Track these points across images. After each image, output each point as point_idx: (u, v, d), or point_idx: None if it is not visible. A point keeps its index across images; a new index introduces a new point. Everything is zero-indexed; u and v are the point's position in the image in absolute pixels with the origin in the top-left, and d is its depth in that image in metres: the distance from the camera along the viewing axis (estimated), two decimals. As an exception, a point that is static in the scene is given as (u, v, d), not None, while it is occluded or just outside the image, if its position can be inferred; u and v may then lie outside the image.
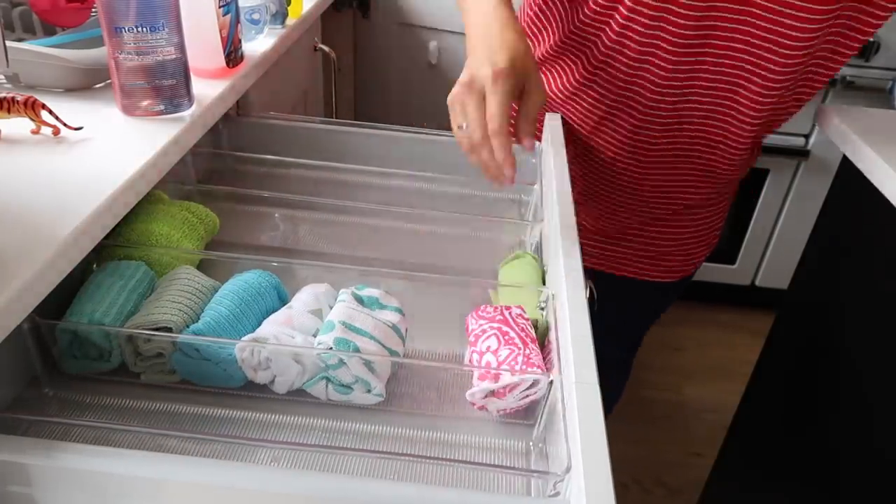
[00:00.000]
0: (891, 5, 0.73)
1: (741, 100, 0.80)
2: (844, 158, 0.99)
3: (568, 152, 0.81)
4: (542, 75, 0.92)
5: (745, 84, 0.79)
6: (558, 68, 0.90)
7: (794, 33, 0.73)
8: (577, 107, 0.89)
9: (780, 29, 0.73)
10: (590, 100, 0.87)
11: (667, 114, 0.83)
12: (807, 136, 1.91)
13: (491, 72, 0.64)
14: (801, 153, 1.91)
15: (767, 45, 0.74)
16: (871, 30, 0.75)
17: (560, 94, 0.91)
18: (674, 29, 0.75)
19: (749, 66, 0.77)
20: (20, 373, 0.59)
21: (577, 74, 0.87)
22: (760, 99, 0.79)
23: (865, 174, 0.89)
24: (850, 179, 0.96)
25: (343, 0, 1.89)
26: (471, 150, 0.67)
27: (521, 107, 0.70)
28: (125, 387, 0.61)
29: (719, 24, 0.75)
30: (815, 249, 1.11)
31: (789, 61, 0.75)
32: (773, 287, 2.14)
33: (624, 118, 0.86)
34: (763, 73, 0.77)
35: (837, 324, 1.01)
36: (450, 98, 0.67)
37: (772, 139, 1.89)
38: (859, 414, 0.93)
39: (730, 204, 1.05)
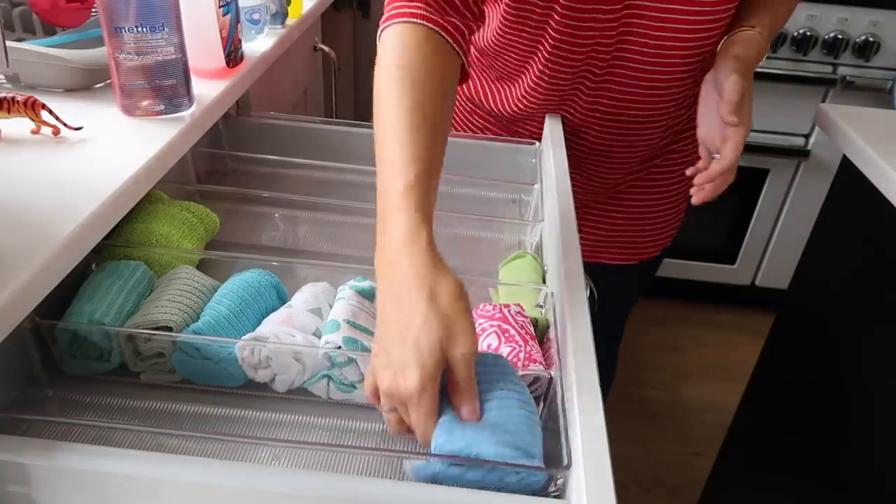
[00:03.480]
0: None
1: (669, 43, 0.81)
2: (844, 158, 0.99)
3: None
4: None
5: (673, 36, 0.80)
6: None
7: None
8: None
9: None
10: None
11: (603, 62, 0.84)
12: (807, 136, 1.91)
13: (417, 383, 0.46)
14: (801, 153, 1.91)
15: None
16: None
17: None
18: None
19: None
20: (20, 373, 0.59)
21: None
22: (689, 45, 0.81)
23: (865, 174, 0.89)
24: (850, 179, 0.96)
25: (343, 0, 1.89)
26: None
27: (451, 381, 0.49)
28: (125, 387, 0.61)
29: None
30: (815, 249, 1.11)
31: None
32: (773, 287, 2.14)
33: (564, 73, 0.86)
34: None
35: (837, 324, 1.01)
36: (367, 392, 0.52)
37: (772, 139, 1.91)
38: (859, 414, 0.93)
39: (686, 190, 1.06)
